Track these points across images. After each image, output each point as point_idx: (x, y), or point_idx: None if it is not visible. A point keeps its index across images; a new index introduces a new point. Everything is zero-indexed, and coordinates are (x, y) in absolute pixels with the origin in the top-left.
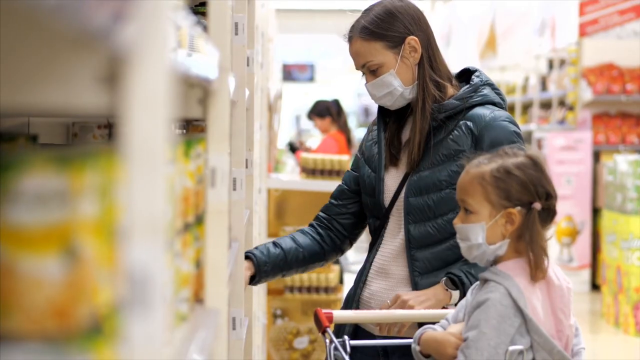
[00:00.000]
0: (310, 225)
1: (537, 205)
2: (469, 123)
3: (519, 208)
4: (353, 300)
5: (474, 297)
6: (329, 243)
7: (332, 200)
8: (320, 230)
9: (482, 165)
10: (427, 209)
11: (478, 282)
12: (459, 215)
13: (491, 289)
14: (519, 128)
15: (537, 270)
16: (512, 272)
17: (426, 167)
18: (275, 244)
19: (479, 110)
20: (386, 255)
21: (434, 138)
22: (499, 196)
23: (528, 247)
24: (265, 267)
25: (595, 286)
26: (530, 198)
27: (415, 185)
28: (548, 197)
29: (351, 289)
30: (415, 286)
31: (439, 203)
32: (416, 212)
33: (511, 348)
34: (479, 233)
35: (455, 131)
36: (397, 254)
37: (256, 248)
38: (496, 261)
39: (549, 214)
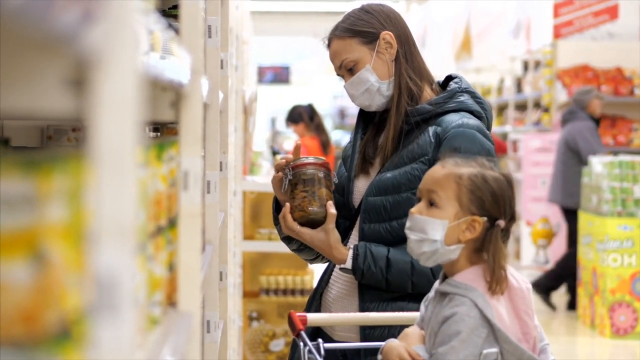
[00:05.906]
0: None
1: (501, 223)
2: (437, 128)
3: (485, 219)
4: (314, 300)
5: (438, 312)
6: None
7: None
8: None
9: (461, 166)
10: (383, 210)
11: (432, 295)
12: (418, 206)
13: (457, 303)
14: (490, 142)
15: (497, 286)
16: (472, 282)
17: (390, 168)
18: None
19: (449, 116)
20: None
21: (404, 141)
22: (471, 201)
23: (490, 260)
24: None
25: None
26: (497, 214)
27: (376, 185)
28: (512, 219)
29: (314, 289)
30: (365, 288)
31: (395, 205)
32: (372, 211)
33: (485, 351)
34: (438, 229)
35: (423, 136)
36: None
37: None
38: (448, 268)
39: (506, 235)
